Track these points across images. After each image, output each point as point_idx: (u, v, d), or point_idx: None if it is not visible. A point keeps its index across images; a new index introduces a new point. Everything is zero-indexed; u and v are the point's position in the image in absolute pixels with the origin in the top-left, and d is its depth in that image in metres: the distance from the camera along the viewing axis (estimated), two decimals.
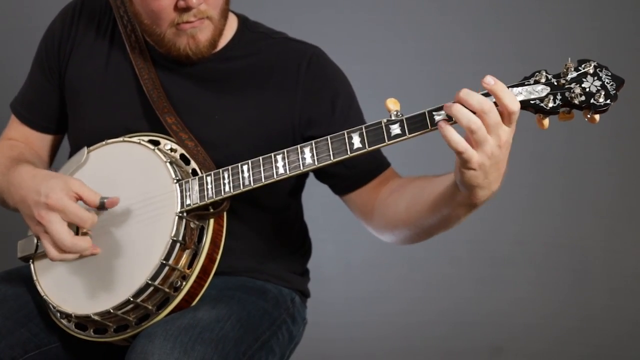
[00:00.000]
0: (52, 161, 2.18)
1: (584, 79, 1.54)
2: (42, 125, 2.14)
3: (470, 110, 1.52)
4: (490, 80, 1.53)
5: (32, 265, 1.93)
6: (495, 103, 1.54)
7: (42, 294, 1.88)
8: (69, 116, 2.10)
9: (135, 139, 1.92)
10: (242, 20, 2.09)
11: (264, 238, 2.09)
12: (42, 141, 2.15)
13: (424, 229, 1.83)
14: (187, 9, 1.85)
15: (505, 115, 1.53)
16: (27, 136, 2.14)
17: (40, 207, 1.79)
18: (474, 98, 1.53)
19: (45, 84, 2.10)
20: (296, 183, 2.08)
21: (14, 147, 2.09)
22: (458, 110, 1.53)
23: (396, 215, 1.88)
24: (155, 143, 1.92)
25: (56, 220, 1.78)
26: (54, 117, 2.13)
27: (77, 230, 1.88)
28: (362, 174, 1.98)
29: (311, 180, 2.09)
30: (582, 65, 1.55)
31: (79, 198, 1.80)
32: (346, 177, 1.99)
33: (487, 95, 1.56)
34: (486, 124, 1.52)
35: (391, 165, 2.03)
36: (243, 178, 1.77)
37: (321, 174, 2.01)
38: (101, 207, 1.81)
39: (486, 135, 1.53)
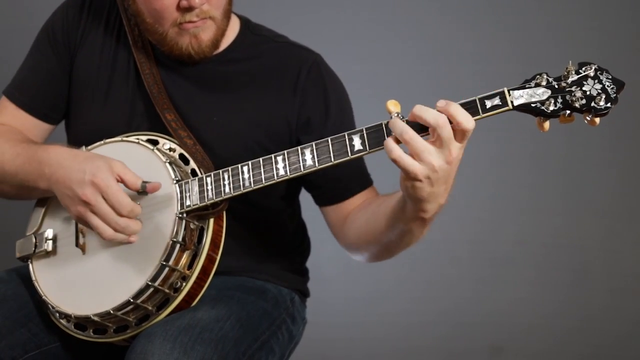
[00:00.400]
0: None
1: (584, 82, 1.55)
2: (43, 113, 2.09)
3: (424, 125, 1.55)
4: (442, 103, 1.55)
5: (30, 266, 1.93)
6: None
7: (41, 294, 1.88)
8: (72, 109, 2.08)
9: (133, 139, 1.91)
10: (244, 22, 2.09)
11: (262, 238, 2.09)
12: (38, 129, 2.10)
13: (383, 245, 1.85)
14: (189, 8, 1.85)
15: (458, 132, 1.54)
16: (23, 122, 2.08)
17: (86, 186, 1.76)
18: (429, 113, 1.54)
19: (52, 70, 2.07)
20: (295, 184, 2.08)
21: (12, 131, 2.04)
22: (393, 123, 1.56)
23: (358, 230, 1.92)
24: (154, 142, 1.91)
25: (103, 200, 1.75)
26: (58, 105, 2.08)
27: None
28: (342, 189, 2.00)
29: None
30: (583, 68, 1.56)
31: (121, 180, 1.78)
32: (327, 190, 2.01)
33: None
34: (440, 138, 1.54)
35: (373, 184, 2.05)
36: (243, 179, 1.77)
37: (306, 183, 2.04)
38: (142, 191, 1.78)
39: (424, 146, 1.54)
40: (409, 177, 1.56)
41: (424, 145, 1.54)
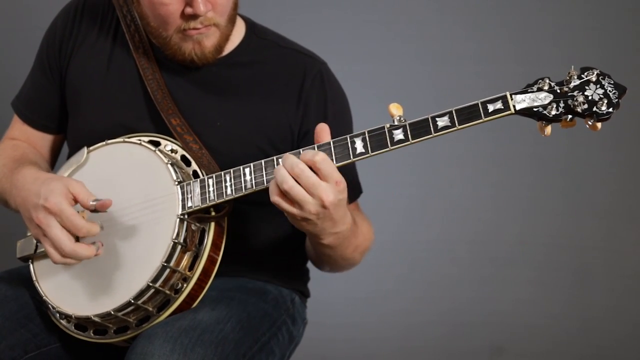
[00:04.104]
0: (55, 161, 2.17)
1: (586, 87, 1.56)
2: (42, 124, 2.13)
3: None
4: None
5: (31, 266, 1.93)
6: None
7: (42, 294, 1.88)
8: (69, 116, 2.09)
9: (135, 140, 1.91)
10: (250, 25, 2.09)
11: (263, 239, 2.09)
12: (43, 140, 2.14)
13: (324, 263, 1.96)
14: (194, 16, 1.85)
15: (313, 167, 1.60)
16: (28, 135, 2.13)
17: (39, 210, 1.77)
18: (287, 162, 1.62)
19: (45, 83, 2.10)
20: None
21: (17, 147, 2.08)
22: (277, 171, 1.63)
23: (307, 243, 2.03)
24: (156, 144, 1.91)
25: (55, 224, 1.76)
26: (55, 116, 2.12)
27: (76, 238, 1.87)
28: None
29: None
30: (585, 73, 1.57)
31: (75, 199, 1.79)
32: None
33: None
34: (303, 185, 1.60)
35: (357, 199, 2.10)
36: (245, 181, 1.77)
37: None
38: (93, 209, 1.79)
39: (302, 195, 1.60)
40: (288, 217, 1.65)
41: (302, 194, 1.60)
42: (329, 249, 1.78)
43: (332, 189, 1.61)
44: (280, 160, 1.73)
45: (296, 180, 1.61)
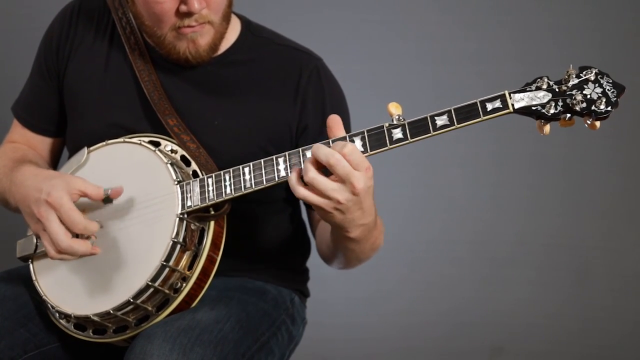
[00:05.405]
0: (56, 164, 2.18)
1: (585, 86, 1.56)
2: (41, 128, 2.14)
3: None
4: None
5: (31, 265, 1.93)
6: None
7: (42, 294, 1.88)
8: (68, 118, 2.10)
9: (135, 140, 1.92)
10: (245, 24, 2.09)
11: (263, 238, 2.10)
12: (43, 144, 2.15)
13: (338, 258, 1.90)
14: (188, 14, 1.85)
15: (345, 158, 1.59)
16: (28, 139, 2.14)
17: (40, 205, 1.77)
18: (320, 152, 1.59)
19: (44, 87, 2.11)
20: None
21: (17, 149, 2.10)
22: (313, 179, 1.60)
23: (319, 239, 2.00)
24: (156, 144, 1.91)
25: (54, 219, 1.76)
26: (54, 119, 2.12)
27: (76, 237, 1.88)
28: None
29: None
30: (584, 72, 1.57)
31: (83, 195, 1.79)
32: None
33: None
34: (337, 174, 1.58)
35: None
36: (244, 180, 1.77)
37: None
38: (106, 200, 1.80)
39: (325, 185, 1.59)
40: (317, 210, 1.63)
41: (324, 184, 1.59)
42: (355, 243, 1.75)
43: (362, 176, 1.59)
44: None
45: (329, 170, 1.60)
